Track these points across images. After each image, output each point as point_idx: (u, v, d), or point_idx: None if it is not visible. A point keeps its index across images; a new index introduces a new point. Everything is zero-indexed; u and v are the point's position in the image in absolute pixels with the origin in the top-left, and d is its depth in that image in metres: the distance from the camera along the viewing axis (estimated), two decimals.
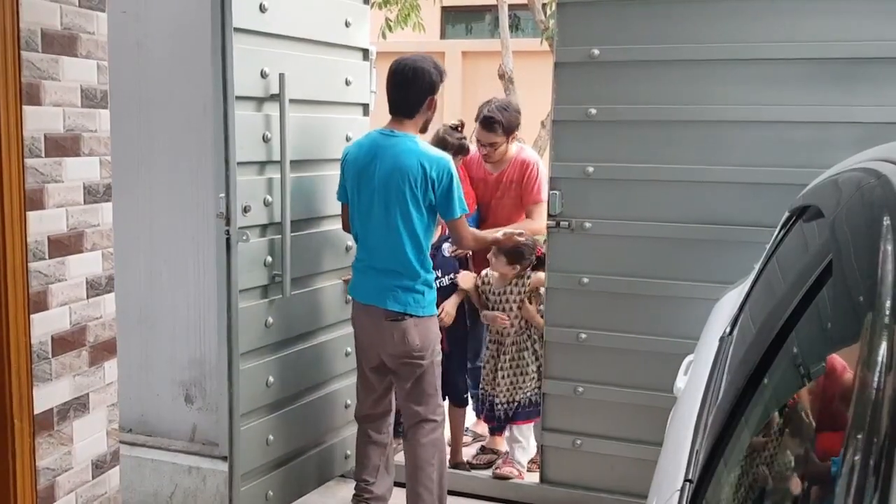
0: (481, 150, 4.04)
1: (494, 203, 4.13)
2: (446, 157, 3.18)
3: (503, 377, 3.78)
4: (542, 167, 4.08)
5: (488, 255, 3.78)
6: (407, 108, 3.19)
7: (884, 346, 0.78)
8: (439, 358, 3.31)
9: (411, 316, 3.14)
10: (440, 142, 3.89)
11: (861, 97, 3.03)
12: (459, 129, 4.08)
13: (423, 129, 3.35)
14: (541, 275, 3.69)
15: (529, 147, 4.46)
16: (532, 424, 3.84)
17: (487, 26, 15.12)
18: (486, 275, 3.86)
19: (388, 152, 3.12)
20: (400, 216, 3.09)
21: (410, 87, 3.18)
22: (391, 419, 3.49)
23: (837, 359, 1.02)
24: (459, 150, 3.94)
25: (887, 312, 0.82)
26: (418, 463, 3.25)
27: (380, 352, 3.24)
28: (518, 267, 3.71)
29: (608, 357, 3.43)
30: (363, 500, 3.39)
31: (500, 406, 3.80)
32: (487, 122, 3.96)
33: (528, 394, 3.77)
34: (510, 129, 4.00)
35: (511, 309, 3.76)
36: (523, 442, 3.86)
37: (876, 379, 0.76)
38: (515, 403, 3.79)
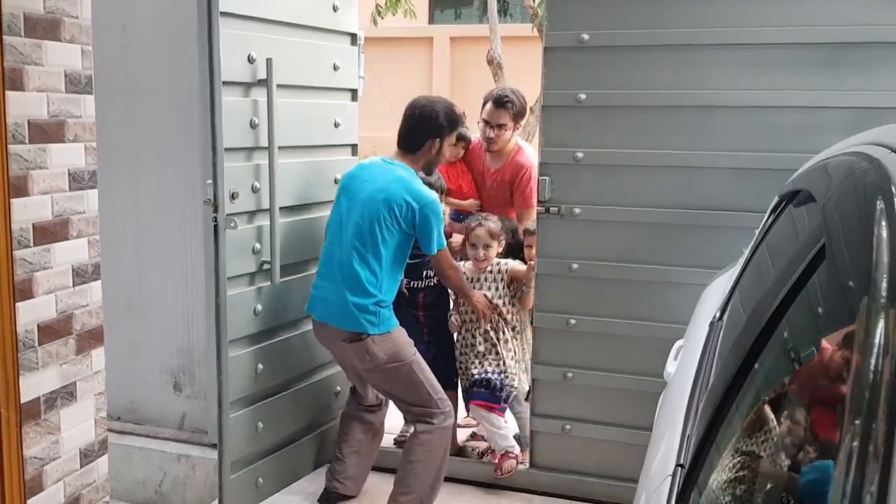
0: (487, 133, 4.05)
1: (486, 195, 4.25)
2: (433, 195, 3.23)
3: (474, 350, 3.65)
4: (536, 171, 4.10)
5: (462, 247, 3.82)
6: (408, 144, 3.32)
7: (881, 331, 0.77)
8: (418, 356, 3.28)
9: (369, 335, 3.14)
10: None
11: (851, 82, 3.03)
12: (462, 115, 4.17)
13: (428, 170, 3.43)
14: (516, 265, 3.68)
15: (530, 148, 4.38)
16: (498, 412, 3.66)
17: (476, 11, 15.06)
18: (462, 265, 3.77)
19: (381, 176, 3.21)
20: (369, 235, 3.13)
21: (414, 126, 3.30)
22: (385, 409, 3.51)
23: (830, 343, 1.01)
24: (462, 139, 4.07)
25: (884, 296, 0.82)
26: (409, 457, 3.25)
27: (350, 366, 3.30)
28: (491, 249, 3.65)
29: (598, 342, 3.44)
30: (338, 481, 3.43)
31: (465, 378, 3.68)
32: (500, 101, 4.02)
33: (489, 373, 3.59)
34: (518, 114, 4.08)
35: (489, 288, 3.64)
36: (497, 430, 3.66)
37: (873, 363, 0.75)
38: (473, 376, 3.62)
